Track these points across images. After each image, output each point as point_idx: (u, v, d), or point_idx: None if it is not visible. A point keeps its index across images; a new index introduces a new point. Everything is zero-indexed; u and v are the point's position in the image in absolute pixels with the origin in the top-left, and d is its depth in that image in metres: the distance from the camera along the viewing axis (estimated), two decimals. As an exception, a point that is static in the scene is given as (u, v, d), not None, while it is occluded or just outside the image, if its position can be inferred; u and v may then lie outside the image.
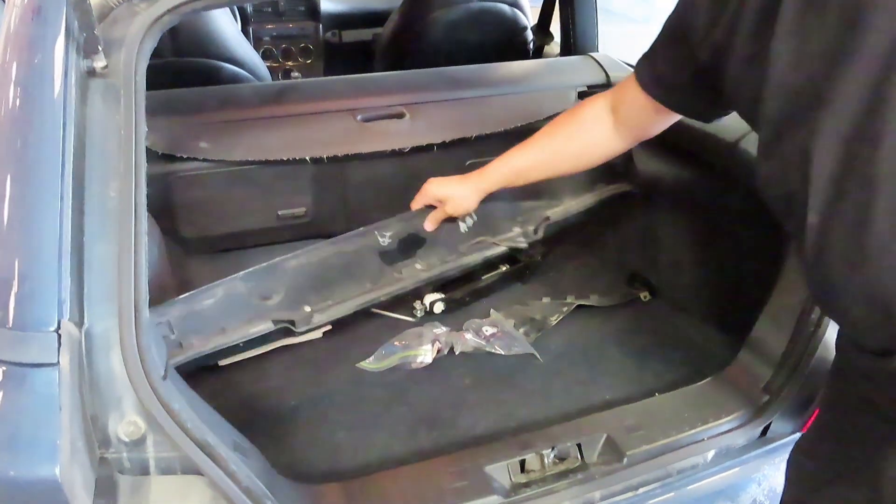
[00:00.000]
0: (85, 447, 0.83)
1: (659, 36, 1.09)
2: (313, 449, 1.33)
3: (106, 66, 0.98)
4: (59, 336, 0.82)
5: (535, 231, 1.69)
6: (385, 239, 1.51)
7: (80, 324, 0.87)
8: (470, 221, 1.57)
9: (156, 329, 0.95)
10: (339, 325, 1.70)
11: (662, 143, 1.86)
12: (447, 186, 1.44)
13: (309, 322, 1.39)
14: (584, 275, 1.94)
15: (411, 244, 1.54)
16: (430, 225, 1.49)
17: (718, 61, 0.90)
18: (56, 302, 0.83)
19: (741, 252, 1.60)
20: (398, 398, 1.47)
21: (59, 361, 0.81)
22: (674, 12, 1.03)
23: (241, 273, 1.36)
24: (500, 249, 1.66)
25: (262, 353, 1.61)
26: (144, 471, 0.90)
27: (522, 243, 1.69)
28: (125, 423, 0.87)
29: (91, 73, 0.98)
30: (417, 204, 1.49)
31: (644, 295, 1.82)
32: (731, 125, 1.65)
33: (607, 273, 1.94)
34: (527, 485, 1.13)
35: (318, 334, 1.67)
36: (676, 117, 1.18)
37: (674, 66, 1.04)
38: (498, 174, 1.38)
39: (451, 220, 1.51)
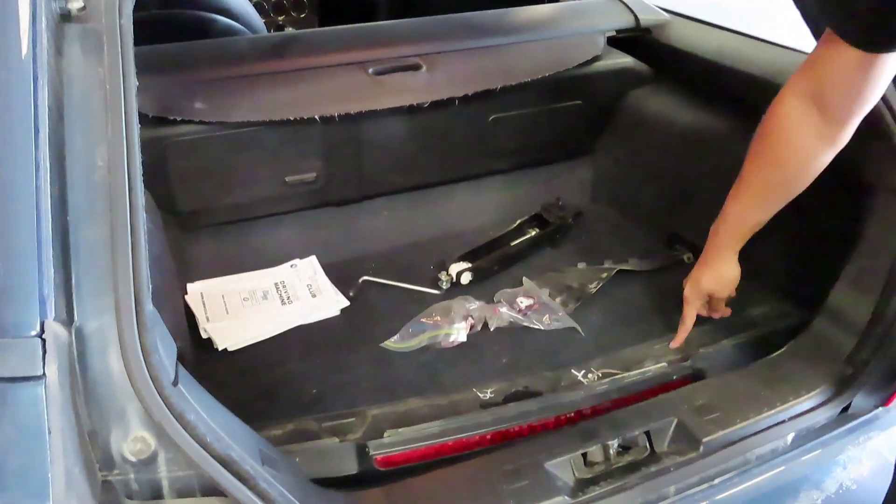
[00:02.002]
0: (83, 473, 0.68)
1: None
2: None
3: (83, 8, 0.81)
4: (44, 341, 0.66)
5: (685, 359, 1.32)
6: (487, 394, 1.26)
7: (68, 322, 0.71)
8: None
9: (161, 324, 0.79)
10: (358, 301, 1.57)
11: (703, 92, 1.71)
12: (710, 277, 1.31)
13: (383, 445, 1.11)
14: (619, 237, 1.79)
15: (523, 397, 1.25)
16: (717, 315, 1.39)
17: None
18: (37, 299, 0.68)
19: (802, 207, 1.45)
20: (431, 381, 1.33)
21: (44, 373, 0.65)
22: None
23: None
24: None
25: (277, 336, 1.47)
26: (157, 494, 0.76)
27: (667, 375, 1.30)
28: (131, 440, 0.73)
29: (65, 16, 0.81)
30: (692, 318, 1.34)
31: (687, 257, 1.67)
32: (785, 68, 1.50)
33: (644, 234, 1.79)
34: (593, 481, 0.99)
35: (335, 311, 1.54)
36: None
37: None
38: (740, 234, 1.25)
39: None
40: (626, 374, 1.28)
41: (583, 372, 1.31)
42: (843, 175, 1.31)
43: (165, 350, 0.76)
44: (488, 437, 1.15)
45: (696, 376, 1.28)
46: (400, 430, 1.12)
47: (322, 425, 1.15)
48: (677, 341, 1.35)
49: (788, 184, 1.14)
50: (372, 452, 1.08)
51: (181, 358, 1.26)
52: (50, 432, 0.64)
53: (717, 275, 1.30)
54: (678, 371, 1.29)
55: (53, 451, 0.64)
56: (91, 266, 0.75)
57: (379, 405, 1.20)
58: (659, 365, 1.30)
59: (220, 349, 1.41)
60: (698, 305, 1.34)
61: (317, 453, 1.09)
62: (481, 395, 1.25)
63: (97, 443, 0.72)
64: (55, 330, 0.68)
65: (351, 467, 1.09)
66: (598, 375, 1.30)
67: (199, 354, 1.39)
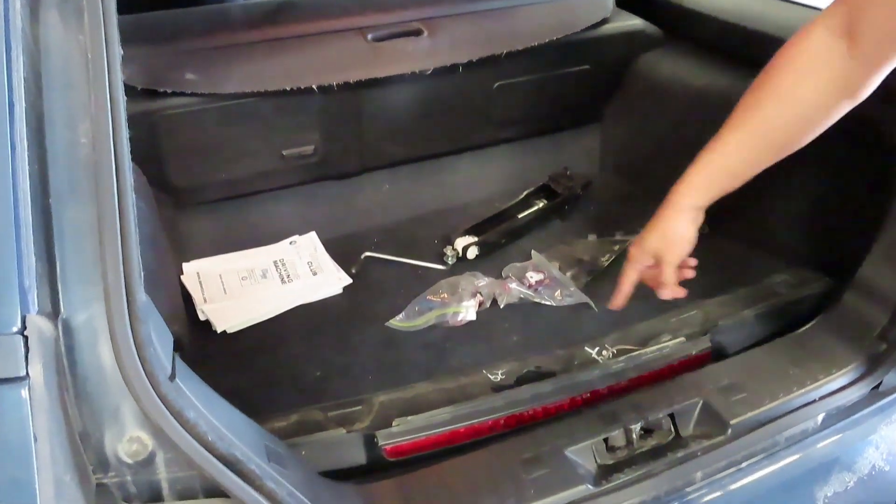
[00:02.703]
0: (74, 479, 0.63)
1: None
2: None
3: (59, -31, 0.74)
4: (26, 339, 0.60)
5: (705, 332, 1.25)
6: (497, 376, 1.18)
7: (53, 315, 0.65)
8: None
9: (156, 315, 0.73)
10: (361, 277, 1.51)
11: (718, 54, 1.64)
12: (655, 233, 1.09)
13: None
14: (629, 207, 1.72)
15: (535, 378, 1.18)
16: (666, 293, 1.11)
17: None
18: (16, 291, 0.61)
19: (826, 172, 1.39)
20: (439, 363, 1.28)
21: (27, 374, 0.59)
22: None
23: None
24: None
25: (277, 316, 1.41)
26: (156, 496, 0.70)
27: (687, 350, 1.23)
28: (126, 441, 0.67)
29: (40, -22, 0.73)
30: (630, 279, 1.14)
31: (702, 228, 1.61)
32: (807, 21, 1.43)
33: (656, 204, 1.70)
34: (616, 467, 0.94)
35: (337, 290, 1.48)
36: None
37: None
38: (708, 184, 1.03)
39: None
40: (642, 351, 1.22)
41: (597, 349, 1.25)
42: (874, 137, 1.25)
43: (161, 342, 0.70)
44: (501, 421, 1.09)
45: (716, 350, 1.23)
46: (409, 417, 1.06)
47: (328, 415, 1.09)
48: (614, 304, 1.16)
49: (786, 129, 0.95)
50: (381, 443, 1.03)
51: (178, 343, 1.20)
52: (36, 439, 0.58)
53: (662, 231, 1.08)
54: (697, 346, 1.23)
55: (40, 459, 0.58)
56: (77, 252, 0.68)
57: (386, 392, 1.14)
58: (677, 340, 1.24)
59: (218, 332, 1.35)
60: (638, 267, 1.13)
61: (324, 445, 1.03)
62: (492, 378, 1.18)
63: (90, 444, 0.67)
64: (39, 325, 0.62)
65: (359, 458, 1.04)
66: (612, 352, 1.24)
67: (197, 337, 1.34)
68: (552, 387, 1.14)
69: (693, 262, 1.15)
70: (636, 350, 1.23)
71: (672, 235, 1.08)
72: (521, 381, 1.18)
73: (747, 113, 0.97)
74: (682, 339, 1.24)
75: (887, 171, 1.16)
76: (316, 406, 1.11)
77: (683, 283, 1.17)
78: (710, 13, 1.64)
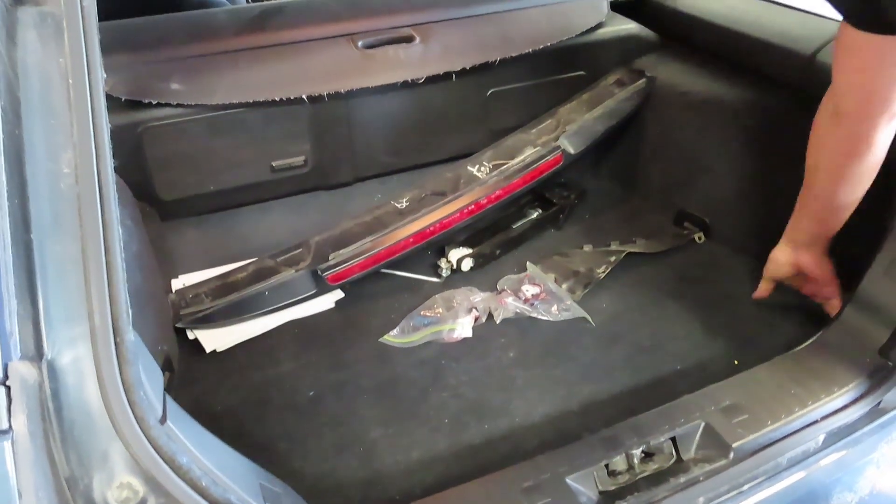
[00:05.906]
0: (63, 532, 0.60)
1: None
2: (344, 453, 1.11)
3: (39, -11, 0.71)
4: (8, 389, 0.57)
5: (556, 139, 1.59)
6: (402, 203, 1.49)
7: (37, 357, 0.62)
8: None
9: (146, 353, 0.70)
10: (353, 290, 1.48)
11: (713, 59, 1.62)
12: (786, 257, 1.31)
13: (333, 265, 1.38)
14: (624, 216, 1.71)
15: (434, 202, 1.48)
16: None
17: None
18: (-3, 338, 0.58)
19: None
20: (435, 381, 1.25)
21: (10, 427, 0.56)
22: None
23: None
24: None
25: (268, 332, 1.38)
26: (148, 540, 0.67)
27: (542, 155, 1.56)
28: (116, 488, 0.64)
29: (18, -1, 0.71)
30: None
31: (698, 236, 1.60)
32: (807, 35, 1.41)
33: (651, 213, 1.70)
34: (618, 494, 0.92)
35: (329, 304, 1.45)
36: None
37: None
38: (800, 233, 1.28)
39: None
40: (510, 163, 1.53)
41: (476, 167, 1.54)
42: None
43: (151, 383, 0.67)
44: (411, 240, 1.42)
45: (564, 152, 1.57)
46: (340, 251, 1.38)
47: (277, 260, 1.41)
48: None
49: (827, 195, 1.19)
50: (323, 274, 1.36)
51: (168, 363, 1.18)
52: (21, 496, 0.55)
53: (809, 260, 1.29)
54: (551, 152, 1.56)
55: (25, 517, 0.55)
56: (61, 290, 0.65)
57: (318, 233, 1.43)
58: (535, 150, 1.56)
59: (207, 351, 1.32)
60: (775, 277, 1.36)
61: (281, 285, 1.36)
62: (398, 206, 1.48)
63: (78, 490, 0.63)
64: (22, 372, 0.59)
65: (311, 288, 1.39)
66: (489, 167, 1.53)
67: (187, 356, 1.31)
68: (446, 209, 1.45)
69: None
70: (506, 163, 1.53)
71: (771, 258, 1.33)
72: (420, 203, 1.47)
73: (803, 193, 1.23)
74: (539, 147, 1.56)
75: (888, 187, 1.14)
76: (266, 256, 1.43)
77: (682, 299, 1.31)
78: (705, 18, 1.62)
